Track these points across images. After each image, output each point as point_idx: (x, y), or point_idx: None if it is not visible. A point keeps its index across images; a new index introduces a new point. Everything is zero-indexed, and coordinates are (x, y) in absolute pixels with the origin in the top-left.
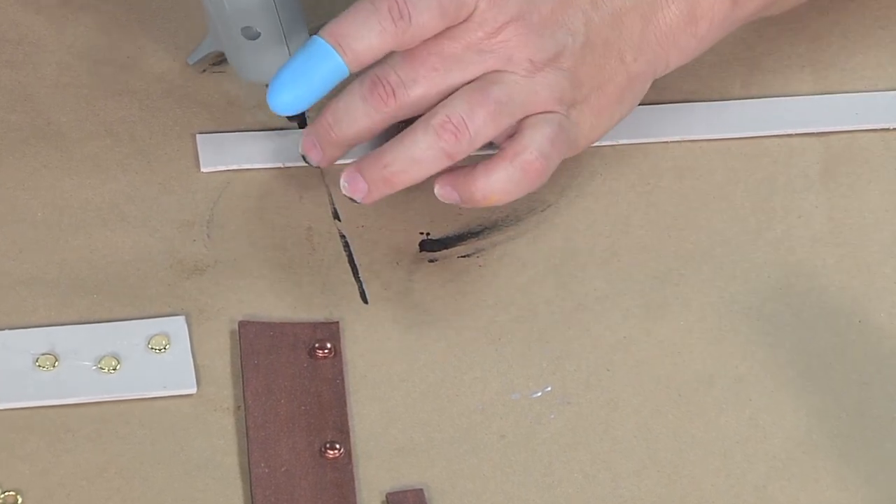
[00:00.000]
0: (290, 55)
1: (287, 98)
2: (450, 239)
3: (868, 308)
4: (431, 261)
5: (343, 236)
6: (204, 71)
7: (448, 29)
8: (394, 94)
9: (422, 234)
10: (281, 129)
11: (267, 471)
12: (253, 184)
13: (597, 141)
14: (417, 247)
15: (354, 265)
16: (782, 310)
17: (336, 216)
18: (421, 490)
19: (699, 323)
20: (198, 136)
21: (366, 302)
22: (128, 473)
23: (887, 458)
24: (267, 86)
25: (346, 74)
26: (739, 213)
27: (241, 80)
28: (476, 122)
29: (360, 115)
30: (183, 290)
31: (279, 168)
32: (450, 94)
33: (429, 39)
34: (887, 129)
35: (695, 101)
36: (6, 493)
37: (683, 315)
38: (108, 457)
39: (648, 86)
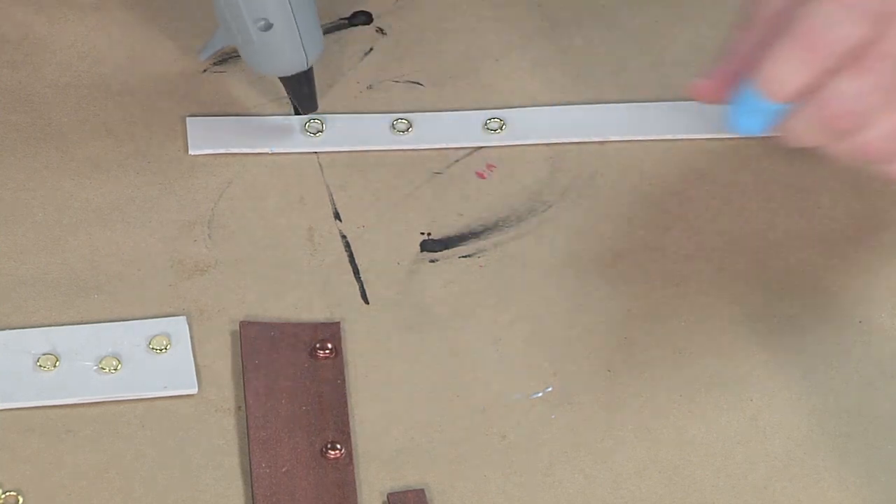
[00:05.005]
0: (302, 47)
1: (748, 124)
2: (451, 239)
3: (869, 308)
4: (432, 261)
5: (344, 236)
6: (205, 71)
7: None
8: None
9: (423, 234)
10: (272, 114)
11: (268, 471)
12: (254, 184)
13: None
14: (418, 247)
15: (355, 265)
16: (784, 310)
17: (337, 216)
18: (422, 490)
19: (700, 323)
20: (188, 118)
21: (367, 302)
22: (128, 474)
23: (888, 459)
24: (280, 78)
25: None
26: (742, 212)
27: (252, 73)
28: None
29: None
30: (184, 290)
31: (280, 167)
32: None
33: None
34: None
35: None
36: (7, 494)
37: (684, 315)
38: (109, 457)
39: None
